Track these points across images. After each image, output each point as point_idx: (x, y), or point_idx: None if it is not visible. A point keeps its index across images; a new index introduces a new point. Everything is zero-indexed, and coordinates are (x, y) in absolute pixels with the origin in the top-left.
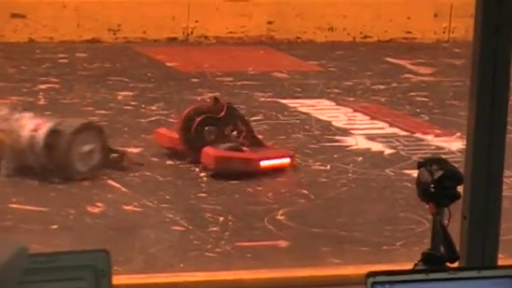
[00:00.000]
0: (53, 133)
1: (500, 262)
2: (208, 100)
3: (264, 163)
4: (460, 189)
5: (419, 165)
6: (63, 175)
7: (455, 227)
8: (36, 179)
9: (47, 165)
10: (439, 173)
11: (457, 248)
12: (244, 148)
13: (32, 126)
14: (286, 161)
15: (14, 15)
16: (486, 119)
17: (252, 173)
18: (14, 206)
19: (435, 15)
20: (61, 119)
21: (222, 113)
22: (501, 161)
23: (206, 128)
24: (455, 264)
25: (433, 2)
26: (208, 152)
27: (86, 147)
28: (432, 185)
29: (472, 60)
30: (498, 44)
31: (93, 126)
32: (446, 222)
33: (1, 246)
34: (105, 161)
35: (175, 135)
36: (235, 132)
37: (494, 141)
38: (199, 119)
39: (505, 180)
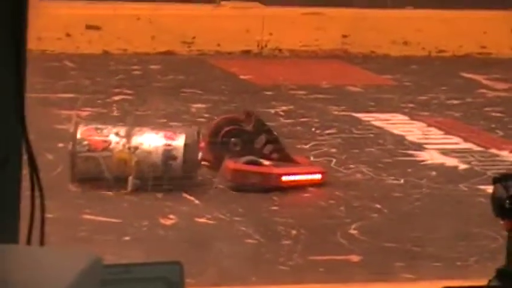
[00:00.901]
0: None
1: None
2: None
3: (287, 178)
4: None
5: (495, 181)
6: (192, 184)
7: None
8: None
9: (180, 176)
10: None
11: None
12: (266, 162)
13: (162, 140)
14: (316, 177)
15: (89, 27)
16: None
17: (272, 188)
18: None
19: None
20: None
21: (251, 125)
22: None
23: (232, 140)
24: None
25: (510, 16)
26: (227, 164)
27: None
28: (507, 201)
29: None
30: None
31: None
32: None
33: (76, 258)
34: None
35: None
36: (268, 146)
37: None
38: (227, 129)
39: None
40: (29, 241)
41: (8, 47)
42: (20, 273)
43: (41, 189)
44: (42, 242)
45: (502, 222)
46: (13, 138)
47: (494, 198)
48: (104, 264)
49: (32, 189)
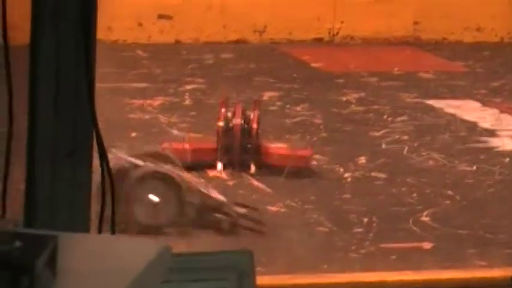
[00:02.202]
0: None
1: None
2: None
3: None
4: None
5: None
6: None
7: None
8: None
9: None
10: None
11: None
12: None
13: None
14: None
15: (161, 16)
16: None
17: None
18: None
19: None
20: None
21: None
22: None
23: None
24: None
25: None
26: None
27: None
28: None
29: None
30: None
31: None
32: None
33: (146, 247)
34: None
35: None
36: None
37: None
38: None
39: None
40: (100, 230)
41: (77, 37)
42: (90, 262)
43: (111, 179)
44: (113, 231)
45: None
46: (83, 128)
47: None
48: (174, 252)
49: (103, 179)
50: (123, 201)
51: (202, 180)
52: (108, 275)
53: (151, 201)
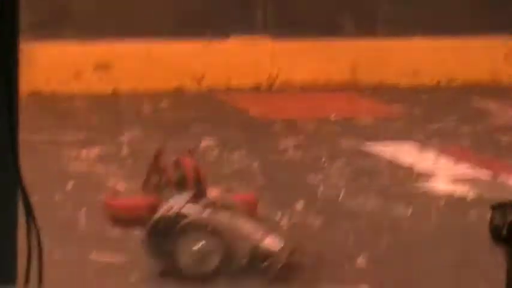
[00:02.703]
0: None
1: None
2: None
3: None
4: None
5: (493, 208)
6: None
7: None
8: None
9: None
10: None
11: None
12: None
13: None
14: None
15: (99, 66)
16: None
17: None
18: None
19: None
20: None
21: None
22: None
23: None
24: None
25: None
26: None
27: None
28: (505, 228)
29: None
30: None
31: None
32: None
33: None
34: None
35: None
36: None
37: None
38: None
39: None
40: (27, 281)
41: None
42: None
43: (37, 231)
44: (40, 283)
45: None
46: (10, 182)
47: (492, 225)
48: None
49: (28, 231)
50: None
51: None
52: None
53: (195, 251)
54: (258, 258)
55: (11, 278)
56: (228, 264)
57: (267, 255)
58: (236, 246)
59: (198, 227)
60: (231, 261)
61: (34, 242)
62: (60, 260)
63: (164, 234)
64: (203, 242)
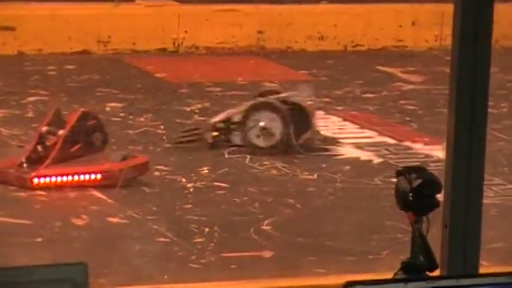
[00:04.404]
0: None
1: (482, 270)
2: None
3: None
4: (440, 197)
5: (398, 174)
6: None
7: (437, 236)
8: None
9: None
10: (417, 182)
11: (437, 256)
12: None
13: None
14: (95, 177)
15: (3, 28)
16: (466, 128)
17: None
18: None
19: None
20: None
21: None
22: (481, 169)
23: None
24: (435, 273)
25: (414, 10)
26: None
27: None
28: (411, 194)
29: (450, 69)
30: (476, 52)
31: None
32: (425, 230)
33: None
34: None
35: None
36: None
37: (474, 149)
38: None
39: (493, 188)
40: None
41: None
42: None
43: None
44: None
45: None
46: None
47: (398, 191)
48: (5, 267)
49: None
50: None
51: None
52: None
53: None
54: None
55: None
56: None
57: None
58: None
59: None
60: None
61: None
62: None
63: None
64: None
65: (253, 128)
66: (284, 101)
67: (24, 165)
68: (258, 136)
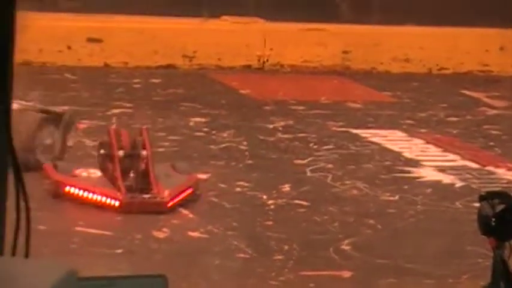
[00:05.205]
0: None
1: None
2: None
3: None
4: None
5: (481, 199)
6: None
7: None
8: None
9: None
10: (500, 207)
11: None
12: None
13: None
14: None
15: (91, 40)
16: None
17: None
18: None
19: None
20: None
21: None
22: None
23: None
24: None
25: (501, 34)
26: None
27: None
28: (493, 219)
29: None
30: None
31: None
32: (507, 256)
33: (51, 270)
34: None
35: None
36: None
37: None
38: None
39: None
40: (14, 252)
41: None
42: None
43: (26, 201)
44: (27, 253)
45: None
46: None
47: (480, 216)
48: (87, 276)
49: (17, 201)
50: None
51: None
52: None
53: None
54: None
55: None
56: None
57: None
58: None
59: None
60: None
61: (22, 213)
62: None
63: None
64: None
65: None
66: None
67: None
68: None
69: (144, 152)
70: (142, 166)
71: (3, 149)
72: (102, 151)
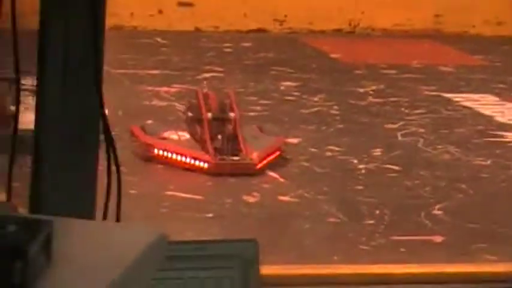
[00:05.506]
0: None
1: None
2: None
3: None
4: None
5: None
6: None
7: None
8: None
9: None
10: None
11: None
12: None
13: None
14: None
15: (182, 4)
16: None
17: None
18: None
19: None
20: None
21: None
22: None
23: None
24: None
25: None
26: None
27: None
28: None
29: None
30: None
31: None
32: None
33: (141, 234)
34: None
35: None
36: None
37: None
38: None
39: None
40: (105, 216)
41: (86, 24)
42: (84, 248)
43: (117, 166)
44: (118, 218)
45: None
46: (90, 114)
47: None
48: (178, 240)
49: (109, 165)
50: None
51: None
52: (102, 262)
53: None
54: None
55: (89, 213)
56: None
57: None
58: None
59: None
60: None
61: (113, 177)
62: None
63: None
64: None
65: None
66: None
67: (216, 154)
68: None
69: (232, 114)
70: (230, 128)
71: (94, 113)
72: (189, 114)
